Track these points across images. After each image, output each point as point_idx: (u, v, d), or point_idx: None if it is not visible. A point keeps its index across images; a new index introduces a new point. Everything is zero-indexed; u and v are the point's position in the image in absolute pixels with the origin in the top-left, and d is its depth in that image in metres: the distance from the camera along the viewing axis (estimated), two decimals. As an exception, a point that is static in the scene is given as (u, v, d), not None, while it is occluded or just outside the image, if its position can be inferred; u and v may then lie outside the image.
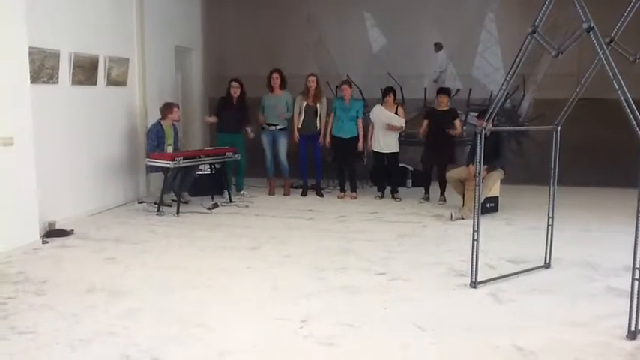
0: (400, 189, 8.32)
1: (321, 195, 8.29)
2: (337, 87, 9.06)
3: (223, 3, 9.93)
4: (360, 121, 8.02)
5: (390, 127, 7.83)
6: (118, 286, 4.55)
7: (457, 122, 7.76)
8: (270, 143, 8.36)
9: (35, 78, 5.90)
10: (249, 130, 8.23)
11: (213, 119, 8.39)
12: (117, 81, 7.43)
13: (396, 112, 7.89)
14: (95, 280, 4.65)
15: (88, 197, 7.01)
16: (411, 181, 8.85)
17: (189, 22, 9.47)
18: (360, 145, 8.07)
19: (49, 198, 6.12)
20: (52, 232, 6.00)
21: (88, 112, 6.95)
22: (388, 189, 8.21)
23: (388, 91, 7.97)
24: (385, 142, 7.94)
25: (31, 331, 3.70)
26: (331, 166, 8.46)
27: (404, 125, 7.88)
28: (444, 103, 7.81)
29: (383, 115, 7.92)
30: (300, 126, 8.19)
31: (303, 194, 8.34)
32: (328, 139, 8.10)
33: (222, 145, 8.03)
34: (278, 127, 8.28)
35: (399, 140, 8.01)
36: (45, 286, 4.54)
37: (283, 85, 8.25)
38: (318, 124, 8.13)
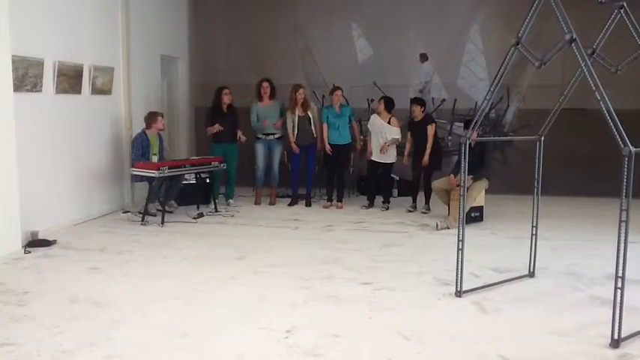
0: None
1: (309, 205, 8.28)
2: (324, 96, 9.08)
3: (210, 12, 9.93)
4: (354, 124, 8.07)
5: (386, 146, 7.87)
6: (101, 296, 4.50)
7: (429, 128, 7.73)
8: (265, 152, 8.33)
9: (18, 86, 5.85)
10: (239, 133, 8.17)
11: (217, 127, 8.05)
12: (102, 90, 7.39)
13: (389, 122, 7.93)
14: (78, 291, 4.60)
15: (72, 207, 6.94)
16: (397, 190, 8.87)
17: (175, 31, 9.45)
18: (358, 147, 8.21)
19: (32, 207, 6.06)
20: (35, 242, 5.93)
21: (73, 121, 6.90)
22: (376, 199, 8.21)
23: (380, 100, 8.03)
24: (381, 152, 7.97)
25: (12, 342, 3.64)
26: (319, 174, 8.46)
27: (398, 137, 7.90)
28: (417, 113, 7.82)
29: (377, 125, 7.97)
30: (295, 138, 8.17)
31: (292, 204, 8.32)
32: (328, 147, 8.08)
33: (218, 155, 7.97)
34: (276, 136, 8.27)
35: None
36: (26, 297, 4.48)
37: (273, 94, 8.25)
38: (314, 132, 8.14)
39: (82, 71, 6.95)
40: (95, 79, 7.20)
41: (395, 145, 7.97)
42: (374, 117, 8.10)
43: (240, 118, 8.25)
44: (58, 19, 6.54)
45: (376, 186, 8.22)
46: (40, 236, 6.06)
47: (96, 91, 7.26)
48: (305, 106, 8.14)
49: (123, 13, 7.81)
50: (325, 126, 8.07)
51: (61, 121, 6.69)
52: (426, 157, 7.69)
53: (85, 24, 7.08)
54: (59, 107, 6.63)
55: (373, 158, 8.06)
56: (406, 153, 7.92)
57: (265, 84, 8.20)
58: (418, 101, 7.96)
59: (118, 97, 7.80)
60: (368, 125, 8.14)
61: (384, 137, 7.92)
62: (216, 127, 8.06)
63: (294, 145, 8.17)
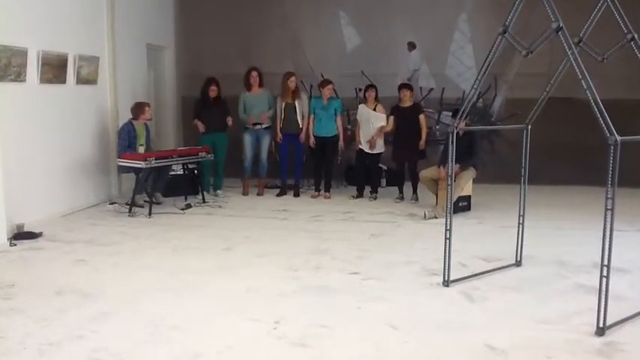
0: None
1: (298, 195, 8.26)
2: (312, 86, 9.05)
3: (197, 0, 9.82)
4: (339, 118, 8.05)
5: (377, 135, 7.84)
6: (88, 288, 4.47)
7: (421, 117, 7.80)
8: (254, 142, 8.29)
9: (2, 76, 5.78)
10: (229, 119, 8.14)
11: (201, 126, 8.09)
12: (87, 80, 7.31)
13: (375, 109, 7.92)
14: (65, 283, 4.57)
15: (58, 198, 6.88)
16: (385, 180, 8.87)
17: (161, 19, 9.35)
18: (341, 142, 8.15)
19: (17, 199, 6.00)
20: (21, 235, 5.87)
21: (58, 111, 6.83)
22: (365, 189, 8.20)
23: (367, 88, 8.02)
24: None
25: (-2, 336, 3.62)
26: (307, 165, 8.44)
27: (384, 124, 7.89)
28: (407, 98, 7.84)
29: (365, 114, 7.95)
30: (281, 125, 8.15)
31: (281, 194, 8.30)
32: (312, 139, 8.07)
33: (207, 145, 7.92)
34: (264, 126, 8.22)
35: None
36: (13, 290, 4.44)
37: (262, 82, 8.21)
38: (300, 122, 8.11)
39: (67, 61, 6.87)
40: (80, 69, 7.12)
41: (383, 135, 7.96)
42: (361, 107, 8.07)
43: (231, 107, 8.19)
44: (41, 7, 6.44)
45: (365, 176, 8.22)
46: (26, 229, 6.00)
47: (81, 80, 7.18)
48: (295, 94, 8.11)
49: (107, 1, 7.71)
50: (312, 117, 8.05)
51: (45, 112, 6.62)
52: (422, 143, 7.77)
53: (69, 12, 6.98)
54: (44, 97, 6.56)
55: (362, 147, 8.05)
56: (389, 129, 7.87)
57: (254, 73, 8.16)
58: (408, 86, 7.99)
59: (103, 87, 7.72)
60: (357, 116, 8.11)
61: (372, 125, 7.89)
62: (200, 126, 8.08)
63: (279, 134, 8.15)
